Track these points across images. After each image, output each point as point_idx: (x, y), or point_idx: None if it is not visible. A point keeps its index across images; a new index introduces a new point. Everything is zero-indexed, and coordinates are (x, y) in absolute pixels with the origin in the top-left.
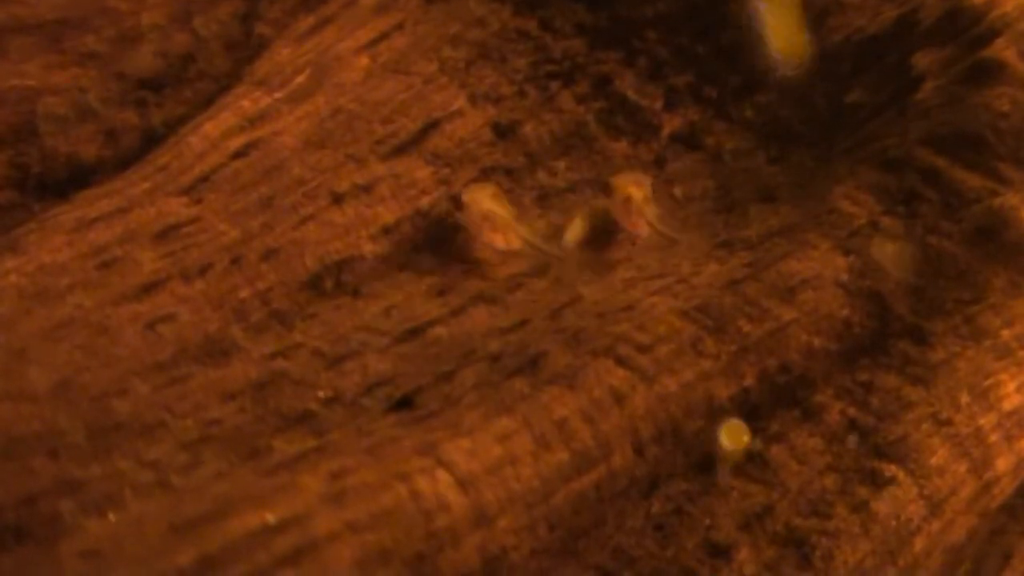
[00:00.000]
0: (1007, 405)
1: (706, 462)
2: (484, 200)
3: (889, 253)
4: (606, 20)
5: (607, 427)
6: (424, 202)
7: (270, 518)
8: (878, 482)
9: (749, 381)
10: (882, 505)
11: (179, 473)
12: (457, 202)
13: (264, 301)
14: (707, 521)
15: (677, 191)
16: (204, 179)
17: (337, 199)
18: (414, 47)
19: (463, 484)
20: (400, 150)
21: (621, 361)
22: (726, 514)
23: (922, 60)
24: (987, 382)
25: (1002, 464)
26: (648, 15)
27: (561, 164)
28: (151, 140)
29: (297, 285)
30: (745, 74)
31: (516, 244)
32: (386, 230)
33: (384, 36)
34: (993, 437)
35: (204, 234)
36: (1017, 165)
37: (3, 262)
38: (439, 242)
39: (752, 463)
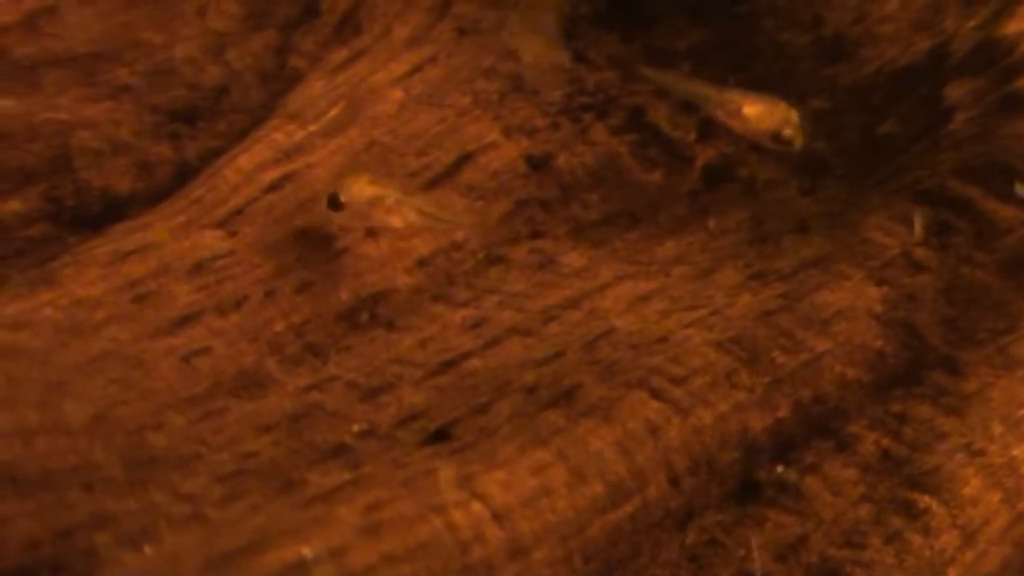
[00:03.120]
0: None
1: (741, 493)
2: (364, 189)
3: None
4: (639, 51)
5: (642, 459)
6: (459, 235)
7: (307, 551)
8: (912, 513)
9: (783, 412)
10: (916, 536)
11: (215, 506)
12: (334, 203)
13: (299, 334)
14: (742, 552)
15: (711, 222)
16: (238, 212)
17: (371, 232)
18: (448, 79)
19: (499, 516)
20: (434, 183)
21: (656, 393)
22: (761, 545)
23: (954, 91)
24: (1020, 412)
25: None
26: (681, 47)
27: (594, 196)
28: (185, 173)
29: (332, 318)
30: None
31: (414, 220)
32: (420, 262)
33: (417, 69)
34: None
35: (239, 267)
36: None
37: (38, 295)
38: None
39: (787, 494)
